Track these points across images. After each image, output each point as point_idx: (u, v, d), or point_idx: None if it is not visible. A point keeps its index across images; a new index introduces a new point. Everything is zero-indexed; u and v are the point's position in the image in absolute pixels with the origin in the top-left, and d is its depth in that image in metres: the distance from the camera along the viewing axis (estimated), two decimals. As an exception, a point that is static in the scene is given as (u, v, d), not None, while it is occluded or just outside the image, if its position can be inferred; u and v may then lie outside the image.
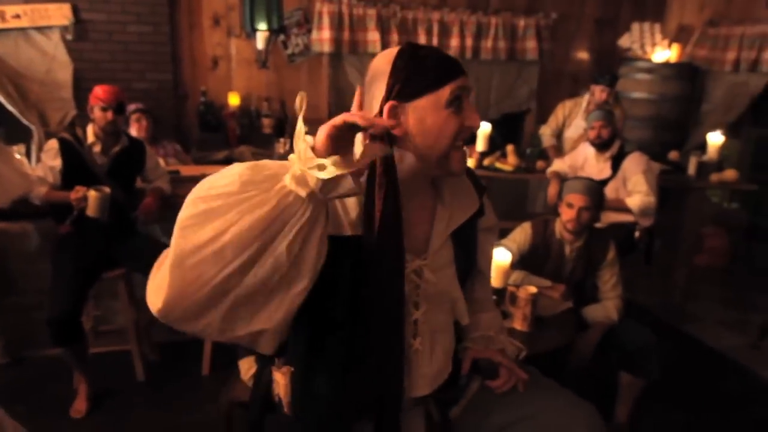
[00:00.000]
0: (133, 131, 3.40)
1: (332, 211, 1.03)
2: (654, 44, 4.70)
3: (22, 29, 3.62)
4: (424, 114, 1.00)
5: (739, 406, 2.71)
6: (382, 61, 1.04)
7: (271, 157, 3.51)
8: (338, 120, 0.84)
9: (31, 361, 2.83)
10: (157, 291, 0.88)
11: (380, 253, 0.99)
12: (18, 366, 2.81)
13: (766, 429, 2.55)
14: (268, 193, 0.83)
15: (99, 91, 2.51)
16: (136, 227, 2.75)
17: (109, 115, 2.49)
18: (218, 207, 0.83)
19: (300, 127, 0.85)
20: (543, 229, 2.35)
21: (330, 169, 0.82)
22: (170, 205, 2.86)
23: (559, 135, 4.12)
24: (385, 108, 1.00)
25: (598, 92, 3.85)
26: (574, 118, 4.07)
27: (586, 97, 4.05)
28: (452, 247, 1.17)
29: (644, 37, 4.77)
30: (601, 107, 3.39)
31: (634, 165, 3.09)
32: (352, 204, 1.05)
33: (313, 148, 0.84)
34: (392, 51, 1.05)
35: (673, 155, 3.95)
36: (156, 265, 0.94)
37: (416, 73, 1.00)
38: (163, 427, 2.41)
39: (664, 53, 4.62)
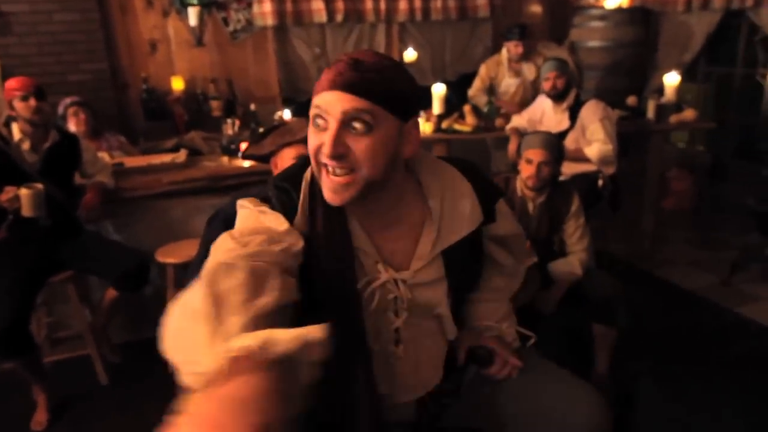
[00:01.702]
0: (72, 126, 3.22)
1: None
2: (606, -10, 4.62)
3: (-63, 28, 3.38)
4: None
5: (717, 344, 2.73)
6: None
7: (221, 140, 3.37)
8: None
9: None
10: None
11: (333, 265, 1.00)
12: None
13: (746, 364, 2.56)
14: None
15: (12, 83, 2.36)
16: (81, 226, 2.60)
17: (32, 102, 2.33)
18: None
19: None
20: (505, 187, 2.29)
21: None
22: (116, 199, 2.72)
23: (489, 93, 4.07)
24: None
25: (513, 48, 3.88)
26: (502, 78, 4.04)
27: (504, 53, 4.01)
28: (442, 264, 1.10)
29: (595, -17, 4.69)
30: (553, 58, 3.30)
31: (591, 113, 3.03)
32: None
33: None
34: None
35: (631, 100, 3.91)
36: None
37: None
38: (132, 431, 2.31)
39: (617, -1, 4.54)
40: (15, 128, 2.41)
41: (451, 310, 1.17)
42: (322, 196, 0.99)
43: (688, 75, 4.38)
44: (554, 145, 2.23)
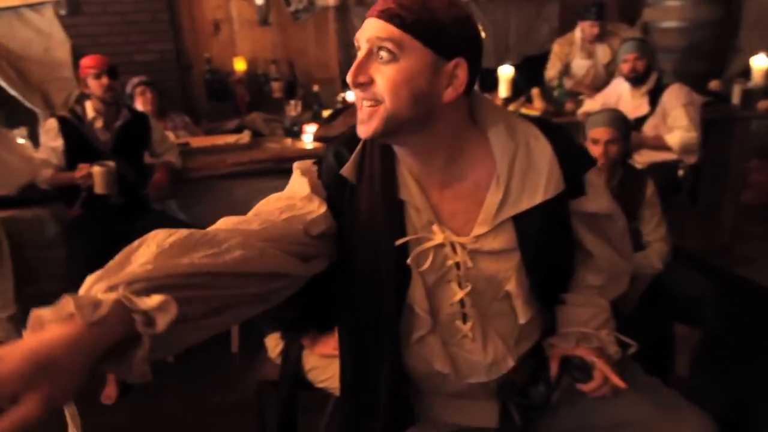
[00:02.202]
0: (139, 105, 3.27)
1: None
2: (685, -33, 4.33)
3: (14, 8, 3.46)
4: None
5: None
6: None
7: (283, 122, 3.35)
8: None
9: (58, 350, 2.79)
10: None
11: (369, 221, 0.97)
12: (46, 355, 2.76)
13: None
14: None
15: (86, 61, 2.40)
16: (149, 204, 2.63)
17: (104, 80, 2.36)
18: None
19: None
20: None
21: None
22: (181, 179, 2.74)
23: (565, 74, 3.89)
24: None
25: (588, 28, 3.69)
26: (573, 58, 3.87)
27: (578, 33, 3.82)
28: (515, 235, 0.99)
29: (673, -40, 4.40)
30: (634, 38, 3.12)
31: (674, 98, 2.84)
32: None
33: None
34: None
35: (713, 85, 3.67)
36: None
37: None
38: (195, 407, 2.35)
39: (696, -24, 4.25)
40: (88, 106, 2.45)
41: (530, 294, 1.04)
42: (373, 148, 0.98)
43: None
44: (621, 121, 2.08)
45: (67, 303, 0.62)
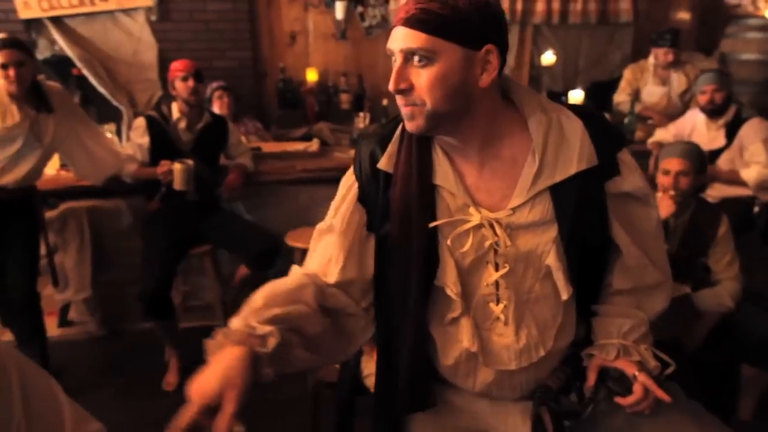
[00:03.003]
0: (216, 109, 3.42)
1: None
2: (768, -1, 4.21)
3: (110, 12, 3.71)
4: None
5: None
6: None
7: (350, 133, 3.44)
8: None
9: (126, 335, 2.94)
10: None
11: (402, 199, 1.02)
12: (114, 339, 2.93)
13: None
14: None
15: (176, 64, 2.55)
16: (221, 204, 2.76)
17: (191, 82, 2.50)
18: None
19: None
20: None
21: None
22: (253, 182, 2.86)
23: (636, 100, 3.80)
24: None
25: (662, 55, 3.62)
26: (644, 85, 3.79)
27: (651, 60, 3.74)
28: (552, 206, 1.00)
29: (756, -9, 4.28)
30: (714, 70, 3.05)
31: (753, 132, 2.76)
32: None
33: None
34: None
35: (794, 121, 3.52)
36: None
37: None
38: (249, 402, 2.42)
39: (781, 8, 4.12)
40: (174, 108, 2.60)
41: (570, 273, 1.02)
42: (409, 137, 1.03)
43: None
44: (696, 153, 2.03)
45: (236, 333, 0.96)
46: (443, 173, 1.02)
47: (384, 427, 1.16)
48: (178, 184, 2.48)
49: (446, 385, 1.12)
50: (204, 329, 2.79)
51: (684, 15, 4.60)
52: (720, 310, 2.03)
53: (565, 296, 1.02)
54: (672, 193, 2.01)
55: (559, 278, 1.01)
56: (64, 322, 3.00)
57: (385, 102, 3.86)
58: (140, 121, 2.61)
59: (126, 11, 3.75)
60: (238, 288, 2.77)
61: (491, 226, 0.99)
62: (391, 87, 0.94)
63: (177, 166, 2.46)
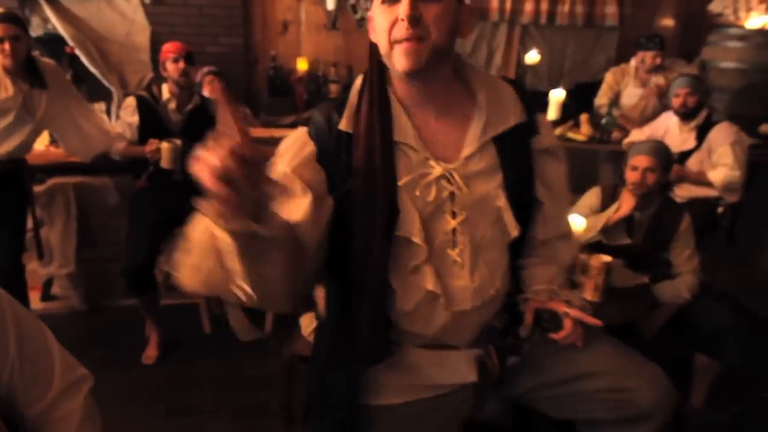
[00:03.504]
0: (206, 92, 3.45)
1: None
2: (749, 9, 4.32)
3: (105, -7, 3.76)
4: (374, 16, 1.08)
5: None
6: None
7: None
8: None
9: (107, 310, 3.01)
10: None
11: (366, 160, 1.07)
12: (96, 314, 2.99)
13: None
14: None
15: (168, 46, 2.62)
16: (206, 185, 2.82)
17: (181, 64, 2.56)
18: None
19: None
20: (612, 192, 2.28)
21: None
22: (239, 165, 2.92)
23: (615, 103, 3.92)
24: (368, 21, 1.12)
25: (650, 59, 3.72)
26: (625, 87, 3.91)
27: (633, 63, 3.86)
28: (496, 155, 1.14)
29: (738, 1, 4.39)
30: (688, 74, 3.16)
31: (722, 136, 2.88)
32: None
33: None
34: None
35: (765, 128, 3.66)
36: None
37: None
38: (227, 377, 2.51)
39: (760, 19, 4.23)
40: (165, 89, 2.66)
41: (515, 214, 1.16)
42: (369, 94, 1.09)
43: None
44: (661, 152, 2.17)
45: None
46: (403, 129, 1.11)
47: (339, 381, 1.18)
48: (165, 163, 2.54)
49: (393, 343, 1.18)
50: (184, 307, 2.91)
51: (668, 21, 4.71)
52: (677, 302, 2.15)
53: (515, 233, 1.16)
54: (638, 189, 2.13)
55: (509, 219, 1.15)
56: (46, 296, 3.05)
57: (372, 93, 3.94)
58: (130, 101, 2.67)
59: (122, -7, 3.79)
60: (220, 267, 2.84)
61: (448, 178, 1.11)
62: (407, 14, 0.99)
63: (165, 145, 2.52)
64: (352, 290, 1.14)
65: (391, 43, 1.03)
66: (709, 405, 2.26)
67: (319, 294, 1.42)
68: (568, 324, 1.21)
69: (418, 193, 1.09)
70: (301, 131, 1.14)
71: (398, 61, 1.03)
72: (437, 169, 1.10)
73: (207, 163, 0.77)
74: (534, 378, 1.26)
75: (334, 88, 4.10)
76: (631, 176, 2.15)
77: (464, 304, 1.14)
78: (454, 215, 1.12)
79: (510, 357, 1.25)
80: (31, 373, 0.94)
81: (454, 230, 1.12)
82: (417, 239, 1.09)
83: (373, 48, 1.10)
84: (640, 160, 2.13)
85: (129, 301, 2.75)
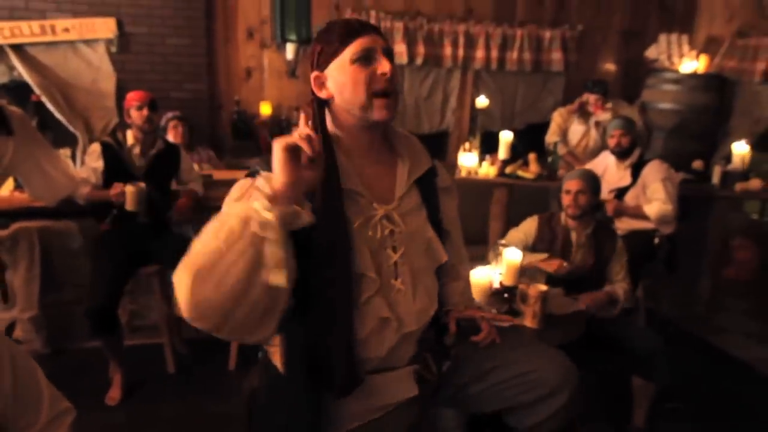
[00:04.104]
0: (170, 137, 3.58)
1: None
2: (681, 55, 4.69)
3: (71, 42, 3.87)
4: (337, 74, 1.20)
5: (765, 417, 2.69)
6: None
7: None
8: (281, 143, 1.01)
9: (70, 352, 3.01)
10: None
11: (324, 209, 1.16)
12: (59, 357, 2.98)
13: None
14: (244, 241, 0.99)
15: (132, 95, 2.73)
16: (170, 227, 2.91)
17: (145, 111, 2.68)
18: (214, 265, 1.00)
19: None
20: (549, 218, 2.52)
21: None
22: (203, 206, 3.02)
23: (564, 141, 4.20)
24: (312, 79, 1.23)
25: (594, 101, 4.04)
26: (570, 125, 4.20)
27: (576, 104, 4.16)
28: (419, 194, 1.35)
29: (671, 48, 4.76)
30: (621, 117, 3.43)
31: (654, 172, 3.12)
32: None
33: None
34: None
35: (696, 164, 3.94)
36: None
37: (324, 42, 1.22)
38: (190, 416, 2.53)
39: (692, 64, 4.60)
40: (129, 135, 2.77)
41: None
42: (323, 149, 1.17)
43: (760, 146, 4.35)
44: (590, 177, 2.46)
45: None
46: (350, 176, 1.24)
47: (301, 410, 1.24)
48: (129, 205, 2.62)
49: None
50: (148, 347, 2.95)
51: (610, 66, 5.07)
52: (612, 293, 2.35)
53: (444, 258, 1.37)
54: (572, 210, 2.40)
55: (438, 247, 1.36)
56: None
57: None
58: (95, 147, 2.76)
59: (87, 42, 3.91)
60: (184, 306, 2.90)
61: (389, 217, 1.27)
62: (390, 69, 1.18)
63: (129, 188, 2.60)
64: (317, 325, 1.21)
65: (370, 97, 1.18)
66: (652, 427, 2.40)
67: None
68: (484, 326, 1.46)
69: (370, 233, 1.24)
70: (248, 180, 1.18)
71: (378, 112, 1.20)
72: (380, 211, 1.26)
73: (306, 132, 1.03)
74: (462, 376, 1.43)
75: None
76: (565, 199, 2.43)
77: (411, 325, 1.30)
78: (394, 249, 1.27)
79: (444, 363, 1.42)
80: (23, 404, 1.03)
81: (395, 263, 1.27)
82: (372, 274, 1.23)
83: (320, 102, 1.23)
84: (572, 184, 2.41)
85: (92, 343, 2.76)
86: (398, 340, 1.28)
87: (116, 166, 2.71)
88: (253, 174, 1.21)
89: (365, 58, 1.18)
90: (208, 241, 1.01)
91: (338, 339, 1.20)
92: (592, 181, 2.44)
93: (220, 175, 3.41)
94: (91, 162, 2.73)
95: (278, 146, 1.01)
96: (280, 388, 1.29)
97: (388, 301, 1.26)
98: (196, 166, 3.38)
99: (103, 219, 2.74)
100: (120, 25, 3.92)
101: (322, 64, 1.22)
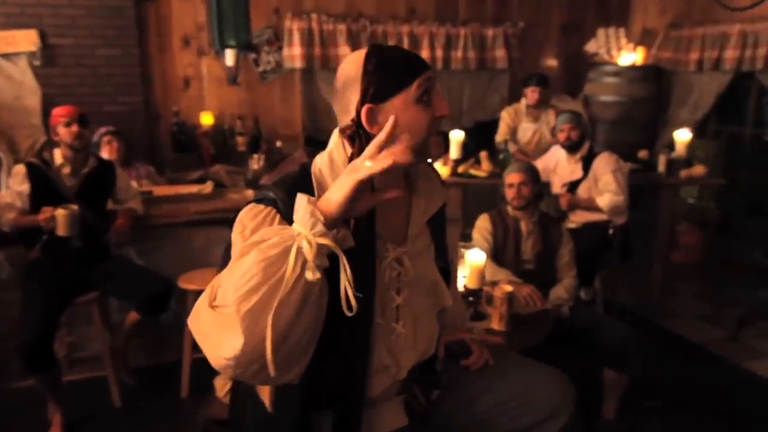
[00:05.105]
0: (105, 154, 3.37)
1: None
2: (620, 48, 4.80)
3: (-12, 57, 3.59)
4: (399, 112, 1.04)
5: (723, 398, 2.74)
6: (352, 67, 1.08)
7: (245, 174, 3.50)
8: (364, 175, 0.89)
9: (3, 393, 2.76)
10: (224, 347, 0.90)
11: (356, 247, 1.04)
12: (-8, 398, 2.73)
13: (751, 420, 2.58)
14: (288, 275, 0.88)
15: (58, 110, 2.53)
16: (109, 250, 2.71)
17: (74, 128, 2.49)
18: (257, 303, 0.88)
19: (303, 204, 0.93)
20: (497, 213, 2.57)
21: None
22: (144, 225, 2.84)
23: (514, 139, 4.23)
24: (363, 112, 1.05)
25: (530, 93, 4.07)
26: (519, 123, 4.22)
27: (524, 100, 4.20)
28: (429, 233, 1.25)
29: (610, 41, 4.87)
30: (569, 111, 3.45)
31: (604, 165, 3.14)
32: None
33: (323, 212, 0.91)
34: (359, 55, 1.09)
35: (642, 154, 4.03)
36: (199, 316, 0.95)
37: (386, 74, 1.06)
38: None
39: (630, 56, 4.72)
40: (57, 153, 2.56)
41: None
42: None
43: (698, 132, 4.50)
44: (528, 168, 2.55)
45: None
46: (381, 221, 1.12)
47: None
48: (61, 230, 2.42)
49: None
50: (91, 381, 2.74)
51: (552, 62, 5.14)
52: (559, 303, 2.36)
53: (449, 302, 1.28)
54: (516, 202, 2.47)
55: (444, 289, 1.27)
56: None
57: (279, 143, 3.99)
58: (20, 168, 2.54)
59: (6, 56, 3.64)
60: (127, 335, 2.71)
61: (399, 260, 1.17)
62: (447, 113, 1.12)
63: (60, 212, 2.40)
64: (321, 365, 1.09)
65: (428, 137, 1.09)
66: (620, 417, 2.39)
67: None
68: (474, 349, 1.38)
69: (387, 277, 1.15)
70: (261, 207, 1.05)
71: (435, 150, 1.12)
72: (392, 253, 1.16)
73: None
74: (454, 403, 1.34)
75: (241, 140, 4.10)
76: (509, 193, 2.50)
77: (408, 367, 1.22)
78: (398, 292, 1.18)
79: (433, 391, 1.33)
80: None
81: (398, 305, 1.18)
82: (380, 319, 1.15)
83: (359, 134, 1.07)
84: (513, 178, 2.49)
85: (27, 382, 2.54)
86: (392, 382, 1.22)
87: (44, 188, 2.50)
88: (265, 201, 1.07)
89: (427, 98, 1.08)
90: (249, 277, 0.88)
91: (346, 382, 1.13)
92: (532, 172, 2.52)
93: (160, 191, 3.23)
94: (16, 185, 2.51)
95: (355, 177, 0.90)
96: (267, 426, 1.20)
97: (388, 345, 1.18)
98: (134, 183, 3.19)
99: (32, 246, 2.53)
100: (43, 36, 3.67)
101: (380, 97, 1.05)
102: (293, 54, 4.25)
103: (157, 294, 2.54)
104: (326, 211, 0.91)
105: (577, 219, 3.19)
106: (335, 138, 1.14)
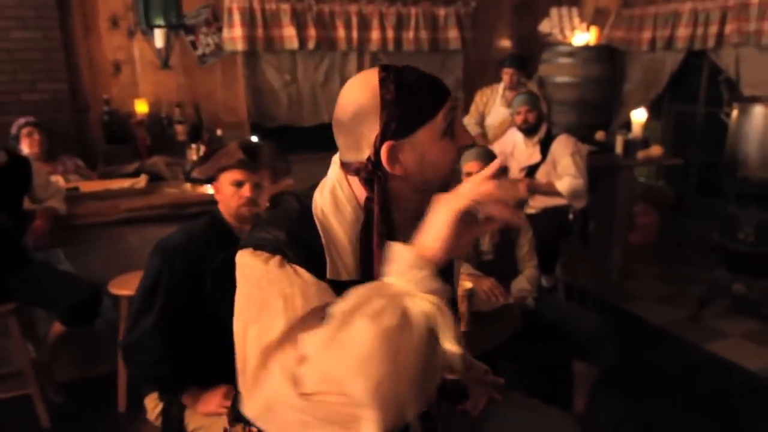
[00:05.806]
0: (25, 148, 3.06)
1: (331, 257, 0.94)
2: (573, 28, 4.72)
3: None
4: (424, 149, 0.92)
5: (685, 380, 2.71)
6: (363, 95, 0.91)
7: (185, 165, 3.23)
8: (465, 202, 0.81)
9: None
10: None
11: None
12: None
13: (712, 400, 2.54)
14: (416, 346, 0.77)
15: None
16: (27, 254, 2.43)
17: None
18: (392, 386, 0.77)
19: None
20: None
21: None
22: (68, 226, 2.56)
23: (481, 123, 4.10)
24: (384, 150, 0.90)
25: (504, 75, 3.97)
26: (492, 105, 4.10)
27: (502, 83, 4.08)
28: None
29: (563, 21, 4.78)
30: (525, 92, 3.33)
31: (563, 147, 3.05)
32: (346, 249, 0.95)
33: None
34: (370, 80, 0.92)
35: (599, 135, 3.96)
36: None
37: (408, 104, 0.90)
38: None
39: (584, 36, 4.64)
40: (-41, 149, 2.26)
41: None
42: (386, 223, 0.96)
43: (652, 112, 4.48)
44: (486, 154, 2.38)
45: None
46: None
47: None
48: (-33, 237, 2.14)
49: None
50: (14, 401, 2.46)
51: (505, 43, 5.01)
52: (522, 295, 2.24)
53: (464, 328, 1.30)
54: None
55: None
56: None
57: (219, 132, 3.73)
58: None
59: None
60: (52, 348, 2.45)
61: None
62: (470, 142, 0.99)
63: (-35, 216, 2.12)
64: None
65: (452, 172, 0.97)
66: (589, 409, 2.31)
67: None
68: (472, 392, 1.26)
69: None
70: (277, 259, 0.90)
71: (453, 184, 0.95)
72: None
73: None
74: None
75: (180, 129, 3.82)
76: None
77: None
78: None
79: None
80: None
81: None
82: None
83: (378, 174, 0.92)
84: (472, 166, 2.32)
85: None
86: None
87: (-55, 189, 2.21)
88: (268, 247, 0.91)
89: (451, 129, 0.93)
90: (372, 359, 0.75)
91: None
92: (489, 159, 2.37)
93: (88, 186, 2.94)
94: None
95: (451, 209, 0.81)
96: None
97: None
98: (60, 179, 2.90)
99: (-66, 254, 2.23)
100: (-53, 18, 3.29)
101: (402, 131, 0.90)
102: (234, 36, 3.96)
103: (83, 303, 2.29)
104: (430, 257, 0.80)
105: (536, 204, 3.08)
106: (336, 172, 0.97)
